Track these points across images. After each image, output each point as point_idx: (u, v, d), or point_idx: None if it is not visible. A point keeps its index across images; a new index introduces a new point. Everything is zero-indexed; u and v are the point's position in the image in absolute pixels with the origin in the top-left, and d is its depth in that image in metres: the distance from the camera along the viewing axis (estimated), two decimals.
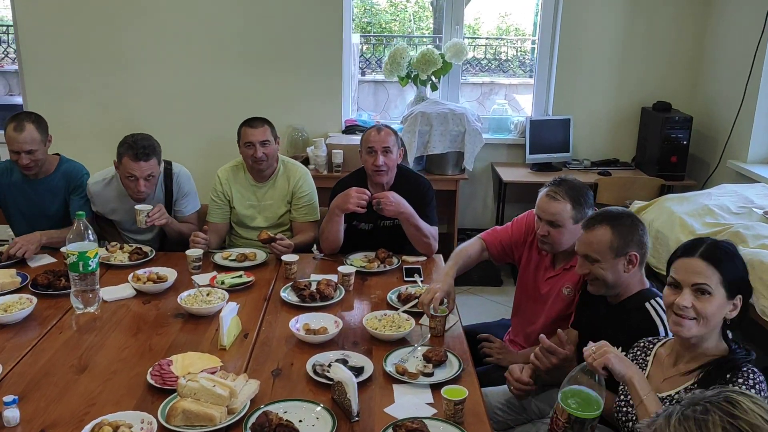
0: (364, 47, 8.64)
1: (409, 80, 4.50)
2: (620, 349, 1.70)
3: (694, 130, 4.33)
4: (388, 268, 2.78)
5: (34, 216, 3.05)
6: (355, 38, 8.15)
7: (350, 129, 4.56)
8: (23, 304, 2.30)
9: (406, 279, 2.69)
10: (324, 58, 4.49)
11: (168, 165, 3.15)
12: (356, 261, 2.83)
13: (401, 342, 2.18)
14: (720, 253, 1.66)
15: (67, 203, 3.08)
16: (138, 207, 2.82)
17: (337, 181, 3.10)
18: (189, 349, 2.14)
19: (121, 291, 2.51)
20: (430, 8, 10.32)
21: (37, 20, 4.39)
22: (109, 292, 2.49)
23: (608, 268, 2.01)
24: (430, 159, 4.37)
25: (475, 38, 8.33)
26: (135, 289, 2.52)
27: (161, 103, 4.52)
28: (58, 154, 3.11)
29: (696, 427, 1.11)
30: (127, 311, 2.40)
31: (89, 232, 2.33)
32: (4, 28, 7.69)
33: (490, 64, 8.17)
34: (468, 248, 2.65)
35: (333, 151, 4.24)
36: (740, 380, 1.58)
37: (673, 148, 4.26)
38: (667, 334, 1.88)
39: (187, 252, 2.74)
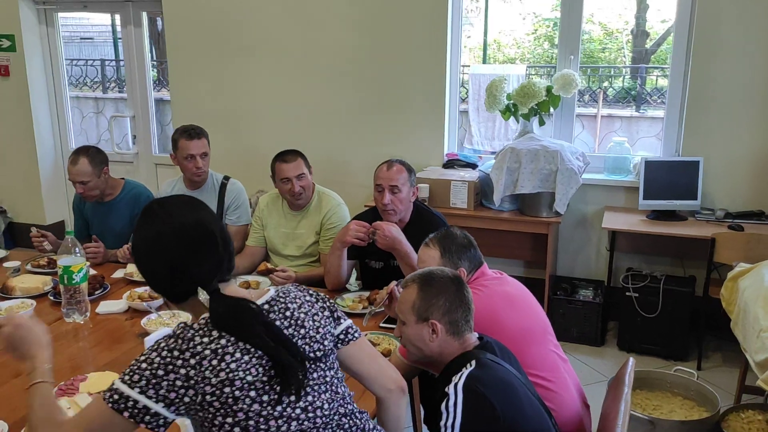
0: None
1: (511, 114, 4.20)
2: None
3: None
4: (372, 309, 2.61)
5: (104, 235, 3.35)
6: (521, 69, 7.87)
7: (450, 163, 4.39)
8: (20, 308, 2.58)
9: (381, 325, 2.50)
10: (428, 92, 4.41)
11: (225, 179, 3.44)
12: (347, 300, 2.72)
13: None
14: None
15: (131, 220, 3.39)
16: None
17: (354, 216, 3.02)
18: (122, 368, 2.19)
19: (116, 305, 2.69)
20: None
21: (184, 55, 4.95)
22: (106, 306, 2.69)
23: (413, 334, 1.79)
24: (522, 199, 4.03)
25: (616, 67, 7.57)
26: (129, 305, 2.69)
27: (279, 129, 4.78)
28: (123, 179, 3.45)
29: None
30: (106, 325, 2.57)
31: (77, 248, 2.54)
32: None
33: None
34: None
35: (419, 184, 4.11)
36: None
37: None
38: (454, 415, 1.61)
39: None
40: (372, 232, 2.67)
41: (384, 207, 2.79)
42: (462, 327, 1.78)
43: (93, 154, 3.27)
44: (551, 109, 4.17)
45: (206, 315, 1.49)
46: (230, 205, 3.41)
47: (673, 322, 3.81)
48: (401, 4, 4.35)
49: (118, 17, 5.33)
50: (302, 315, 1.58)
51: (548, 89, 4.09)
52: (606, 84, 8.23)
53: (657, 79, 7.42)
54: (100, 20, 10.03)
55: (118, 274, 3.06)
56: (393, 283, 2.24)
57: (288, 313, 1.56)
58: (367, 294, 2.73)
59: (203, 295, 1.53)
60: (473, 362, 1.69)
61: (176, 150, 3.32)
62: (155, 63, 8.29)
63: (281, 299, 1.58)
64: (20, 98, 5.39)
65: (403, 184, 2.79)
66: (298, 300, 1.60)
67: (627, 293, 3.85)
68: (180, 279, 1.51)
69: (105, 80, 8.98)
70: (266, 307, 1.55)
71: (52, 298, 2.77)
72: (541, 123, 4.24)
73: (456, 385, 1.62)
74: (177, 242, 1.49)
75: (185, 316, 2.52)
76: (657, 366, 3.75)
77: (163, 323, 2.45)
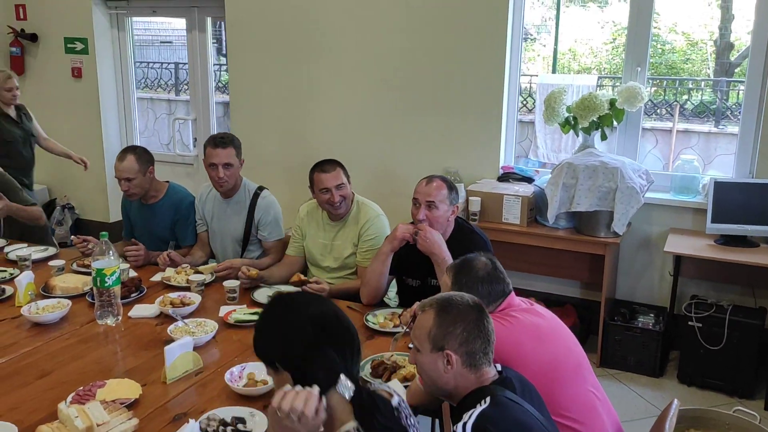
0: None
1: (571, 127, 4.00)
2: None
3: None
4: (402, 330, 2.50)
5: (146, 237, 3.39)
6: (592, 80, 7.57)
7: (505, 176, 4.23)
8: (55, 308, 2.61)
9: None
10: (485, 101, 4.26)
11: (259, 189, 3.36)
12: (379, 317, 2.61)
13: None
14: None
15: (172, 224, 3.43)
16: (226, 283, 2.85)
17: None
18: (143, 376, 2.20)
19: (148, 310, 2.68)
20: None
21: (242, 62, 4.98)
22: (138, 309, 2.69)
23: (427, 363, 1.66)
24: (579, 217, 3.83)
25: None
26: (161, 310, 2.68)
27: (333, 137, 4.74)
28: (167, 182, 3.47)
29: None
30: (137, 329, 2.57)
31: (111, 251, 2.55)
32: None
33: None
34: None
35: (470, 198, 3.98)
36: None
37: None
38: None
39: (224, 282, 2.83)
40: (414, 232, 2.60)
41: (418, 222, 2.69)
42: (480, 359, 1.65)
43: (140, 153, 3.31)
44: (614, 123, 3.96)
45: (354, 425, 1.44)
46: (259, 220, 3.31)
47: (739, 356, 3.53)
48: (461, 10, 4.22)
49: None
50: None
51: (612, 102, 3.88)
52: (685, 97, 7.84)
53: (740, 94, 6.98)
54: (178, 25, 10.33)
55: (157, 277, 3.06)
56: (416, 305, 2.13)
57: (412, 421, 1.57)
58: (400, 312, 2.62)
59: (343, 391, 1.46)
60: (488, 399, 1.57)
61: (204, 157, 3.29)
62: (227, 68, 8.44)
63: (404, 404, 1.58)
64: (90, 99, 5.58)
65: (441, 201, 2.68)
66: None
67: (690, 323, 3.60)
68: (319, 362, 1.46)
69: (178, 83, 9.21)
70: (396, 413, 1.53)
71: (89, 299, 2.79)
72: (603, 137, 4.02)
73: (465, 424, 1.50)
74: (314, 328, 1.48)
75: (212, 326, 2.48)
76: (720, 402, 3.48)
77: (188, 331, 2.42)
